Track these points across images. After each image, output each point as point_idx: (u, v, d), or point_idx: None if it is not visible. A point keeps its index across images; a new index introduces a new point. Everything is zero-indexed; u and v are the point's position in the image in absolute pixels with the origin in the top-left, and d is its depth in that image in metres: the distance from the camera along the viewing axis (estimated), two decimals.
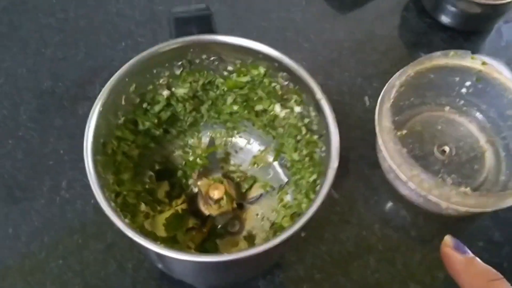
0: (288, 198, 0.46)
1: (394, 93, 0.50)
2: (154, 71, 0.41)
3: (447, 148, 0.54)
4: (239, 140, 0.49)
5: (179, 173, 0.47)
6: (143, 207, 0.43)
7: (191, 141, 0.48)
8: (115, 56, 0.58)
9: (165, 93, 0.43)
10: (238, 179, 0.48)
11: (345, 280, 0.47)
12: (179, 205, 0.45)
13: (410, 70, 0.51)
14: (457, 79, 0.54)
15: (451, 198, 0.46)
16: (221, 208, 0.44)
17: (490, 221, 0.50)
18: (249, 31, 0.61)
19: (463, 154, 0.54)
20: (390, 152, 0.48)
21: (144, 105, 0.42)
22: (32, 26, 0.60)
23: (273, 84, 0.43)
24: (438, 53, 0.52)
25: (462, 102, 0.56)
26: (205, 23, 0.42)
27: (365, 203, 0.51)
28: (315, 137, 0.41)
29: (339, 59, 0.60)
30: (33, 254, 0.47)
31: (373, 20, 0.63)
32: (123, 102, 0.40)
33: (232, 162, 0.49)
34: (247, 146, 0.49)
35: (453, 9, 0.60)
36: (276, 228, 0.44)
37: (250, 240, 0.45)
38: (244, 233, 0.46)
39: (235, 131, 0.49)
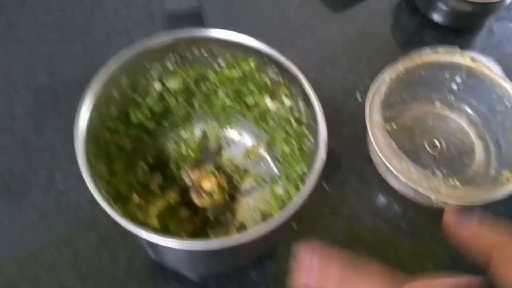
0: (279, 190, 0.47)
1: (385, 88, 0.51)
2: (146, 64, 0.42)
3: (437, 143, 0.54)
4: (232, 134, 0.50)
5: (172, 165, 0.48)
6: (135, 198, 0.43)
7: (184, 134, 0.49)
8: (111, 53, 0.58)
9: (157, 86, 0.44)
10: (231, 172, 0.48)
11: None
12: (172, 197, 0.46)
13: (400, 66, 0.52)
14: (448, 75, 0.55)
15: (440, 191, 0.47)
16: (213, 199, 0.45)
17: (480, 215, 0.51)
18: (244, 30, 0.61)
19: (454, 148, 0.54)
20: (380, 146, 0.49)
21: (137, 98, 0.43)
22: (30, 23, 0.61)
23: (264, 78, 0.43)
24: (428, 49, 0.53)
25: (452, 98, 0.56)
26: (197, 20, 0.43)
27: (356, 196, 0.52)
28: (304, 129, 0.42)
29: (332, 57, 0.61)
30: (27, 245, 0.48)
31: (366, 18, 0.64)
32: (115, 95, 0.41)
33: (224, 155, 0.49)
34: (240, 139, 0.50)
35: (444, 7, 0.61)
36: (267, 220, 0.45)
37: (242, 231, 0.46)
38: (236, 224, 0.46)
39: (228, 125, 0.49)
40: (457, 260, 0.43)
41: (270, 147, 0.48)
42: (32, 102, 0.55)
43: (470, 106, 0.56)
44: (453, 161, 0.53)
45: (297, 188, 0.42)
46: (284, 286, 0.48)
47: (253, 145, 0.49)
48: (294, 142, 0.44)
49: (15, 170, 0.52)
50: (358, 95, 0.58)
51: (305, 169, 0.41)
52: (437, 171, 0.52)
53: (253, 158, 0.49)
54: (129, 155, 0.44)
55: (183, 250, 0.35)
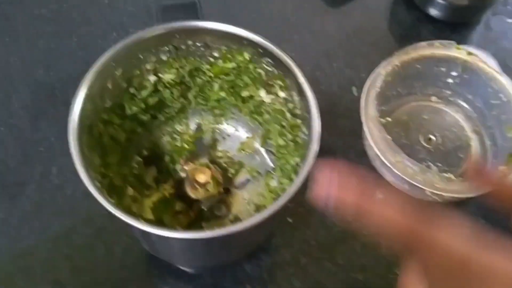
0: (274, 183, 0.47)
1: (381, 82, 0.51)
2: (140, 56, 0.42)
3: (433, 137, 0.54)
4: (227, 127, 0.50)
5: (167, 158, 0.48)
6: (130, 191, 0.44)
7: (179, 127, 0.49)
8: (107, 47, 0.58)
9: (152, 78, 0.44)
10: (225, 165, 0.48)
11: (331, 264, 0.48)
12: (166, 189, 0.46)
13: (395, 60, 0.52)
14: (444, 69, 0.55)
15: (434, 184, 0.47)
16: (208, 192, 0.45)
17: (475, 208, 0.51)
18: (240, 23, 0.62)
19: (449, 143, 0.54)
20: (375, 139, 0.49)
21: (131, 90, 0.43)
22: (25, 16, 0.61)
23: (258, 70, 0.43)
24: (423, 43, 0.53)
25: (448, 92, 0.56)
26: (191, 11, 0.43)
27: None
28: (299, 121, 0.42)
29: (328, 51, 0.61)
30: (23, 239, 0.48)
31: (362, 13, 0.64)
32: (110, 86, 0.41)
33: (219, 148, 0.50)
34: (235, 133, 0.50)
35: (441, 1, 0.61)
36: None
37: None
38: (231, 217, 0.46)
39: (223, 118, 0.49)
40: None
41: (265, 140, 0.48)
42: (29, 96, 0.55)
43: (466, 100, 0.56)
44: (448, 156, 0.53)
45: (291, 180, 0.42)
46: (279, 279, 0.48)
47: (248, 138, 0.49)
48: (288, 134, 0.44)
49: (11, 163, 0.52)
50: (354, 90, 0.58)
51: (299, 161, 0.41)
52: (432, 165, 0.52)
53: (248, 151, 0.49)
54: (124, 148, 0.44)
55: (176, 240, 0.35)
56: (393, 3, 0.65)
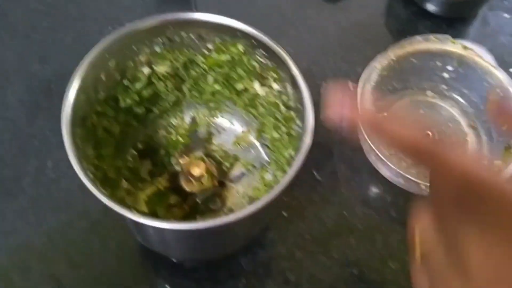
0: (269, 176, 0.47)
1: (376, 76, 0.51)
2: (134, 47, 0.42)
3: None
4: (222, 121, 0.50)
5: (162, 152, 0.48)
6: (124, 184, 0.44)
7: (174, 121, 0.49)
8: None
9: (146, 70, 0.44)
10: (220, 158, 0.48)
11: (325, 258, 0.48)
12: (161, 183, 0.46)
13: (390, 54, 0.52)
14: (439, 63, 0.55)
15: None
16: (202, 185, 0.45)
17: None
18: (235, 17, 0.62)
19: (445, 138, 0.54)
20: (370, 133, 0.48)
21: (125, 82, 0.43)
22: (21, 10, 0.61)
23: (252, 62, 0.43)
24: (419, 37, 0.53)
25: (444, 86, 0.56)
26: (186, 3, 0.43)
27: (347, 184, 0.52)
28: (293, 113, 0.42)
29: (324, 46, 0.61)
30: (18, 233, 0.48)
31: (359, 8, 0.64)
32: (103, 78, 0.41)
33: (214, 142, 0.49)
34: (230, 126, 0.50)
35: None
36: None
37: None
38: (225, 210, 0.46)
39: (218, 112, 0.49)
40: None
41: (260, 134, 0.48)
42: (24, 90, 0.55)
43: (462, 95, 0.56)
44: None
45: (285, 172, 0.42)
46: (274, 273, 0.48)
47: (243, 132, 0.49)
48: (282, 127, 0.44)
49: (6, 158, 0.51)
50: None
51: (293, 153, 0.41)
52: None
53: (243, 144, 0.49)
54: (118, 140, 0.44)
55: (170, 231, 0.35)
56: None
